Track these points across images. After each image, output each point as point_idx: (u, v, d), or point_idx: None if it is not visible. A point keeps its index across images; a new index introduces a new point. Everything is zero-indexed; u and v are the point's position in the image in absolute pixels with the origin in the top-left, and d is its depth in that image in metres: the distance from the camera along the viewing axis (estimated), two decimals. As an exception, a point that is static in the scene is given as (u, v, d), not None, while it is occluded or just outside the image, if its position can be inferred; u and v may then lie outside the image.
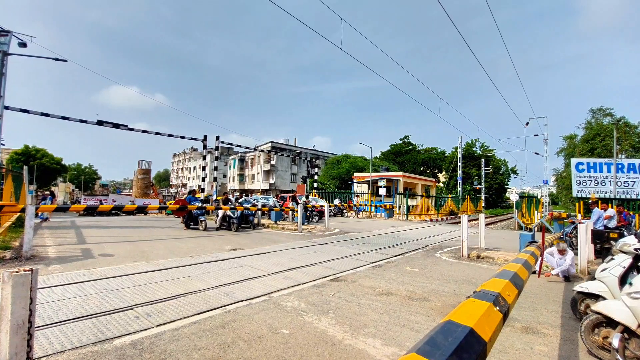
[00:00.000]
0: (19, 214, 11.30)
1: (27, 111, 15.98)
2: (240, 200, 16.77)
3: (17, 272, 1.92)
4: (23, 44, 16.33)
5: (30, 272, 1.97)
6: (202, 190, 22.32)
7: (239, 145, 25.78)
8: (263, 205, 17.69)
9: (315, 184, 30.67)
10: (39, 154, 47.46)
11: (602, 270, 3.89)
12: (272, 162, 60.16)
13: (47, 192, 30.54)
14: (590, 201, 10.24)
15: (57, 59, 16.47)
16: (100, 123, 17.68)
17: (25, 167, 13.59)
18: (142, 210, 25.52)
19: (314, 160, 35.25)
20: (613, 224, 9.57)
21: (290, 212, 18.24)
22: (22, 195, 13.03)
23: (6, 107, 15.64)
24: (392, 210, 25.48)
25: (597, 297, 3.88)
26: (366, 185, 32.88)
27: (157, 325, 3.64)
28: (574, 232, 9.09)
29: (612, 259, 3.97)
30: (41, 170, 44.80)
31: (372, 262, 7.67)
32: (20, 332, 1.94)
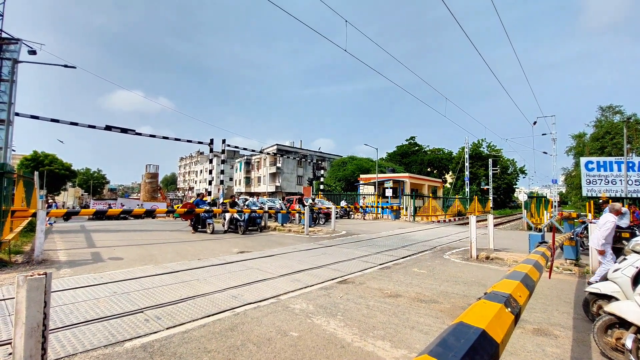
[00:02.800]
0: (30, 218, 11.47)
1: (37, 117, 16.27)
2: (247, 203, 16.86)
3: (31, 276, 1.96)
4: (33, 52, 16.64)
5: (44, 275, 2.00)
6: (209, 193, 22.46)
7: (245, 149, 26.02)
8: (270, 208, 17.74)
9: (322, 186, 30.69)
10: (47, 159, 48.18)
11: (615, 271, 3.84)
12: (278, 164, 60.29)
13: (51, 201, 31.58)
14: (600, 200, 10.09)
15: (66, 66, 16.74)
16: (108, 128, 17.92)
17: (36, 173, 13.82)
18: (150, 213, 25.86)
19: (319, 162, 35.31)
20: (625, 223, 9.41)
21: (297, 215, 18.28)
22: (33, 200, 13.24)
23: (17, 114, 15.94)
24: (398, 212, 25.36)
25: (609, 298, 3.82)
26: (372, 187, 32.78)
27: (167, 328, 3.67)
28: (585, 232, 8.96)
29: (624, 259, 3.91)
30: (51, 176, 45.48)
31: (380, 264, 7.64)
32: (34, 335, 1.98)
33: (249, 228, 14.38)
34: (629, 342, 2.90)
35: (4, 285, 5.20)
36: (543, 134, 28.25)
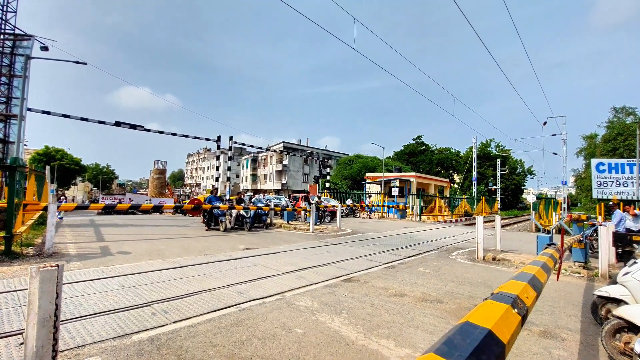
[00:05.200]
0: (41, 212, 11.69)
1: (48, 113, 16.51)
2: (253, 200, 16.93)
3: (44, 267, 2.00)
4: (45, 48, 16.90)
5: (56, 267, 2.04)
6: (216, 189, 22.61)
7: (251, 146, 26.04)
8: (275, 205, 17.79)
9: (328, 184, 30.70)
10: (58, 154, 48.94)
11: (624, 274, 3.78)
12: (285, 162, 60.43)
13: (63, 197, 32.55)
14: (611, 203, 9.95)
15: (77, 62, 16.97)
16: (118, 124, 18.12)
17: (47, 167, 14.06)
18: (157, 209, 26.10)
19: (326, 160, 35.29)
20: (637, 226, 9.25)
21: (303, 212, 18.29)
22: (44, 194, 13.47)
23: (29, 109, 16.21)
24: (404, 211, 25.26)
25: (618, 302, 3.77)
26: (378, 186, 32.69)
27: (174, 322, 3.72)
28: (595, 234, 8.83)
29: (634, 262, 3.85)
30: (61, 170, 46.17)
31: (385, 263, 7.63)
32: (46, 325, 2.02)
33: (255, 225, 14.45)
34: (637, 346, 2.86)
35: (16, 277, 5.31)
36: (553, 135, 27.91)
